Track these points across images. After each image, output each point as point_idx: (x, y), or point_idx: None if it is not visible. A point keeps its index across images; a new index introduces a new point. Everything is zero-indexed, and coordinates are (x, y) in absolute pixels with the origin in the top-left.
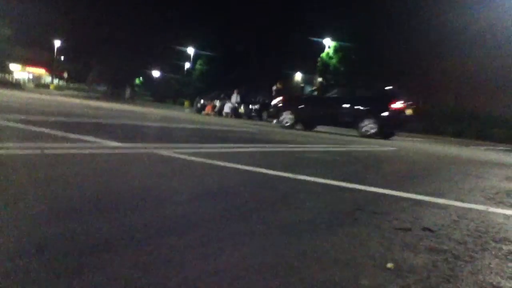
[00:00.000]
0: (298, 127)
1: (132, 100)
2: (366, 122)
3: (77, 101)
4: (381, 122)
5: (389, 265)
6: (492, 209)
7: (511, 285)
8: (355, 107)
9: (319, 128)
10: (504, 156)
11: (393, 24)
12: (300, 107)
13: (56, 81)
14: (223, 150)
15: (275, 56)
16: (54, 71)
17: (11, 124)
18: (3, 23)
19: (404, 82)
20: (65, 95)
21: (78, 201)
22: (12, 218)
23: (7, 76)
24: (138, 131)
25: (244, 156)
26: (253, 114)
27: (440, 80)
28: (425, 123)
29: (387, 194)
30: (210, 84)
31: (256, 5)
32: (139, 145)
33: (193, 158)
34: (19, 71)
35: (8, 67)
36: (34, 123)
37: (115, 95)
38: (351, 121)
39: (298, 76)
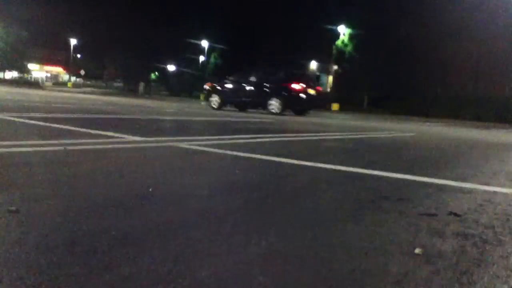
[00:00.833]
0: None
1: (148, 95)
2: (271, 101)
3: (94, 97)
4: (283, 101)
5: (417, 250)
6: None
7: None
8: (264, 89)
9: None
10: None
11: (407, 9)
12: (223, 90)
13: (73, 79)
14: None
15: (289, 46)
16: (71, 69)
17: (32, 122)
18: (20, 26)
19: (421, 68)
20: (83, 92)
21: (104, 197)
22: (43, 214)
23: (26, 75)
24: (157, 125)
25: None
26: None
27: (457, 64)
28: (443, 108)
29: (410, 180)
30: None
31: None
32: (160, 138)
33: (219, 151)
34: (37, 70)
35: (26, 67)
36: (55, 120)
37: (130, 90)
38: (260, 102)
39: (314, 65)
